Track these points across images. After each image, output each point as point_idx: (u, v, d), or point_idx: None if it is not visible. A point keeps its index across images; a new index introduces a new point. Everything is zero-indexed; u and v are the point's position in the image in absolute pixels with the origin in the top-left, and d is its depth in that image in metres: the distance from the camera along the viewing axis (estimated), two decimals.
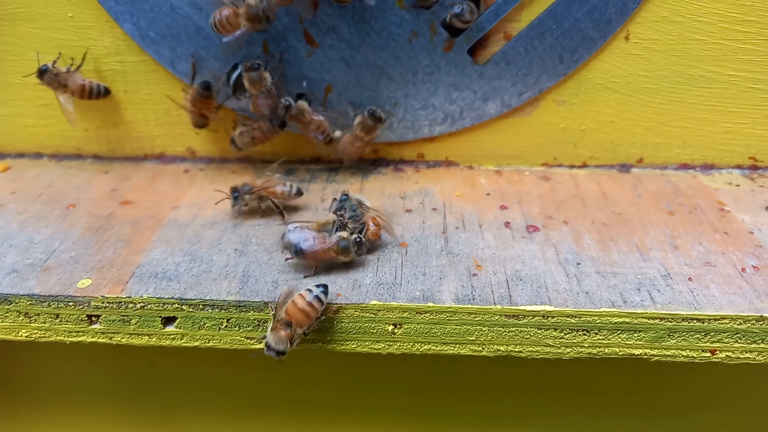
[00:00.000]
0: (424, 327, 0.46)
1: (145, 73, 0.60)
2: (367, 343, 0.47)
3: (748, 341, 0.45)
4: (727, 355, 0.46)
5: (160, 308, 0.46)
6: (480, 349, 0.47)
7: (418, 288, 0.46)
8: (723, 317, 0.44)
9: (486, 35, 0.56)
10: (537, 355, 0.47)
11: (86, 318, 0.47)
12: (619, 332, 0.45)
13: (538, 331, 0.45)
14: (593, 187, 0.59)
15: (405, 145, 0.62)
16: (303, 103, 0.58)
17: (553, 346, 0.46)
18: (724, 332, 0.45)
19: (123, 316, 0.46)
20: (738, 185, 0.60)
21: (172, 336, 0.47)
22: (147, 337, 0.48)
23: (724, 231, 0.53)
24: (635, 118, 0.59)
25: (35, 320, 0.47)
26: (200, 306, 0.46)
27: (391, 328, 0.46)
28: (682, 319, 0.44)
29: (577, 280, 0.47)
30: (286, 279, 0.47)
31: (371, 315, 0.45)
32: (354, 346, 0.47)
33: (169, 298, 0.46)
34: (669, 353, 0.46)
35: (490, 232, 0.53)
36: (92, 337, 0.48)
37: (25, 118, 0.64)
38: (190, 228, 0.54)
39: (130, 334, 0.47)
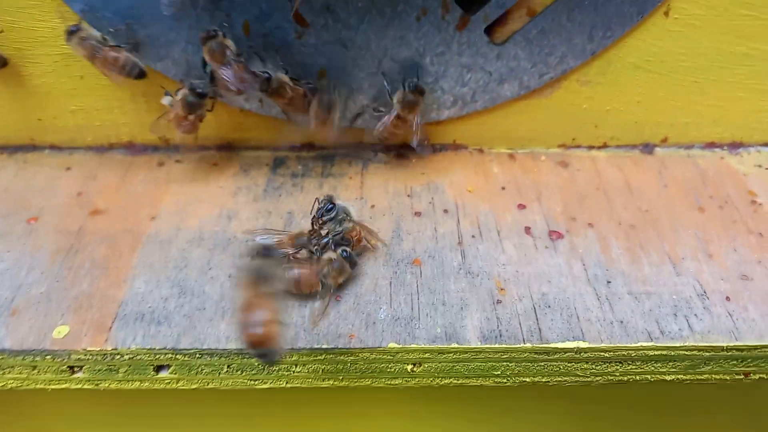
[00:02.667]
0: (447, 365, 0.42)
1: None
2: (384, 380, 0.43)
3: None
4: (760, 377, 0.44)
5: (151, 358, 0.41)
6: (505, 381, 0.43)
7: (438, 323, 0.42)
8: (763, 346, 0.41)
9: (506, 11, 0.48)
10: (564, 384, 0.44)
11: (68, 369, 0.42)
12: (653, 362, 0.42)
13: (569, 365, 0.42)
14: (616, 175, 0.54)
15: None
16: (282, 75, 0.50)
17: (582, 375, 0.43)
18: (761, 358, 0.42)
19: (110, 366, 0.42)
20: None
21: (166, 381, 0.43)
22: (138, 383, 0.43)
23: (758, 232, 0.49)
24: (666, 97, 0.53)
25: (9, 372, 0.42)
26: (197, 355, 0.41)
27: (410, 367, 0.42)
28: (722, 350, 0.41)
29: (609, 304, 0.43)
30: (291, 317, 0.42)
31: (389, 357, 0.41)
32: (369, 382, 0.43)
33: (161, 348, 0.41)
34: (702, 377, 0.43)
35: (510, 242, 0.48)
36: (76, 385, 0.43)
37: None
38: (174, 246, 0.48)
39: (119, 381, 0.43)
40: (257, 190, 0.53)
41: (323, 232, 0.46)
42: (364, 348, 0.41)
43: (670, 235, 0.49)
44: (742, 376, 0.43)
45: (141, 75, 0.49)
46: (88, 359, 0.41)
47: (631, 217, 0.50)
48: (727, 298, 0.44)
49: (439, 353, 0.41)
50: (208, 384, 0.43)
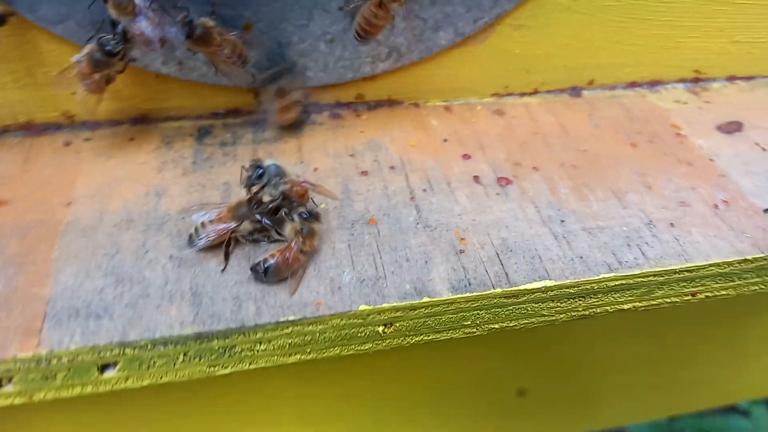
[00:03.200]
0: (418, 321, 0.41)
1: None
2: (353, 347, 0.41)
3: (726, 281, 0.45)
4: (706, 296, 0.46)
5: (94, 357, 0.36)
6: (474, 330, 0.43)
7: (405, 279, 0.40)
8: (710, 265, 0.44)
9: None
10: (531, 326, 0.44)
11: None
12: (612, 293, 0.43)
13: (536, 305, 0.42)
14: (550, 120, 0.55)
15: (341, 87, 0.53)
16: (207, 20, 0.45)
17: (547, 315, 0.43)
18: (707, 277, 0.44)
19: (45, 373, 0.36)
20: (686, 102, 0.58)
21: (113, 381, 0.38)
22: (80, 388, 0.38)
23: (687, 161, 0.51)
24: (593, 39, 0.54)
25: None
26: (148, 347, 0.37)
27: (381, 329, 0.40)
28: (674, 273, 0.43)
29: (567, 242, 0.43)
30: (248, 291, 0.39)
31: (360, 320, 0.39)
32: (339, 351, 0.41)
33: (106, 345, 0.36)
34: (655, 302, 0.45)
35: (462, 192, 0.47)
36: (6, 400, 0.37)
37: None
38: (99, 232, 0.42)
39: (56, 388, 0.37)
40: (184, 163, 0.48)
41: (264, 199, 0.43)
42: (333, 314, 0.38)
43: (609, 171, 0.50)
44: (689, 297, 0.46)
45: None
46: (18, 368, 0.35)
47: (572, 158, 0.51)
48: (672, 225, 0.45)
49: (411, 309, 0.40)
50: (161, 378, 0.39)
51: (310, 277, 0.40)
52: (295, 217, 0.42)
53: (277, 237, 0.42)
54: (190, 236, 0.41)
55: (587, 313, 0.44)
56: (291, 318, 0.38)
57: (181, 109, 0.51)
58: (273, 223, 0.42)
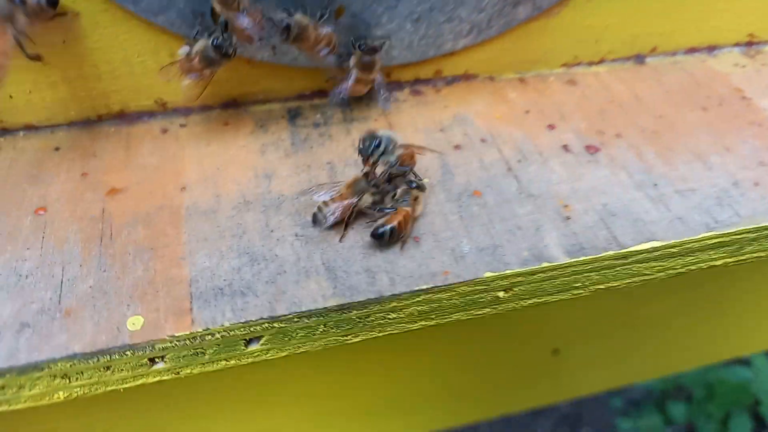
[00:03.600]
0: (534, 285, 0.43)
1: (91, 15, 0.44)
2: (473, 311, 0.43)
3: None
4: None
5: (244, 332, 0.38)
6: (581, 291, 0.45)
7: (522, 246, 0.42)
8: None
9: None
10: (633, 285, 0.46)
11: (147, 362, 0.38)
12: (709, 250, 0.46)
13: (640, 265, 0.45)
14: (621, 88, 0.57)
15: (421, 64, 0.54)
16: (301, 17, 0.46)
17: (649, 274, 0.46)
18: None
19: (197, 349, 0.38)
20: (744, 66, 0.60)
21: (255, 354, 0.40)
22: (225, 362, 0.40)
23: (757, 123, 0.53)
24: (657, 7, 0.56)
25: (78, 379, 0.37)
26: (294, 320, 0.38)
27: (502, 293, 0.42)
28: (765, 229, 0.46)
29: (663, 205, 0.46)
30: (378, 264, 0.41)
31: (484, 287, 0.41)
32: (459, 316, 0.43)
33: (257, 320, 0.38)
34: (743, 258, 0.48)
35: (555, 161, 0.49)
36: (155, 377, 0.39)
37: None
38: (221, 215, 0.44)
39: (204, 363, 0.39)
40: (284, 144, 0.49)
41: (379, 170, 0.45)
42: (461, 282, 0.40)
43: (688, 135, 0.52)
44: None
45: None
46: (174, 346, 0.37)
47: (650, 123, 0.53)
48: (756, 184, 0.48)
49: (531, 275, 0.42)
50: (299, 349, 0.41)
51: (432, 248, 0.42)
52: (406, 185, 0.44)
53: (392, 204, 0.44)
54: (315, 216, 0.42)
55: (683, 270, 0.47)
56: (423, 287, 0.40)
57: (269, 92, 0.52)
58: (394, 188, 0.44)
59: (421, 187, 0.45)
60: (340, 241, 0.42)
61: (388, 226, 0.41)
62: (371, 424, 0.82)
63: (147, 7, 0.44)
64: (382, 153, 0.44)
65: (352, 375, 0.72)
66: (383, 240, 0.41)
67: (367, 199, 0.44)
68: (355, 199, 0.43)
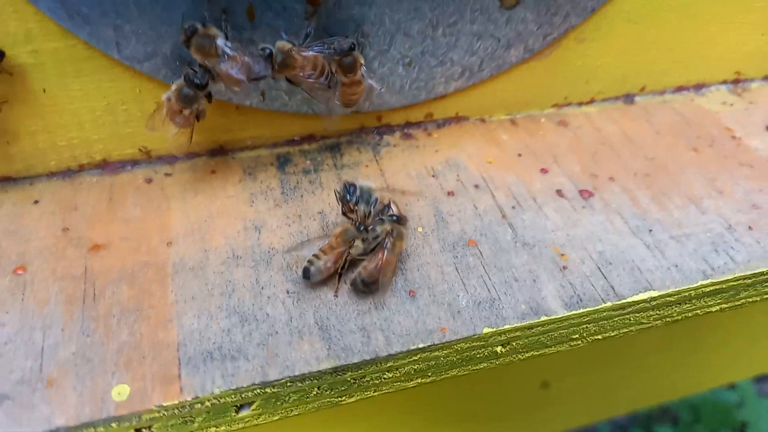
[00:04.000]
0: (532, 339, 0.42)
1: (73, 63, 0.43)
2: (470, 367, 0.42)
3: None
4: None
5: (235, 398, 0.36)
6: (579, 343, 0.44)
7: (519, 299, 0.42)
8: None
9: None
10: (629, 333, 0.46)
11: None
12: (705, 298, 0.45)
13: (638, 315, 0.44)
14: (612, 129, 0.56)
15: (412, 107, 0.53)
16: (283, 43, 0.44)
17: (646, 323, 0.45)
18: None
19: (185, 418, 0.36)
20: (732, 104, 0.60)
21: (246, 420, 0.38)
22: (214, 429, 0.38)
23: (748, 164, 0.53)
24: (647, 47, 0.56)
25: None
26: (287, 384, 0.37)
27: (499, 348, 0.41)
28: (762, 275, 0.45)
29: (660, 251, 0.45)
30: (373, 321, 0.40)
31: (482, 343, 0.40)
32: (456, 372, 0.42)
33: (249, 386, 0.36)
34: (739, 303, 0.48)
35: (549, 207, 0.48)
36: None
37: None
38: (209, 271, 0.42)
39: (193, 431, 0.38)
40: (274, 194, 0.48)
41: (361, 215, 0.44)
42: (459, 339, 0.39)
43: (680, 178, 0.52)
44: None
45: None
46: (161, 416, 0.35)
47: (642, 166, 0.53)
48: (750, 228, 0.48)
49: (528, 329, 0.41)
50: (292, 411, 0.39)
51: (428, 303, 0.41)
52: (386, 219, 0.43)
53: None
54: (306, 269, 0.41)
55: (680, 318, 0.46)
56: (420, 345, 0.39)
57: (257, 138, 0.51)
58: (374, 230, 0.43)
59: (401, 220, 0.44)
60: (335, 295, 0.41)
61: (364, 275, 0.41)
62: None
63: (132, 54, 0.43)
64: (360, 196, 0.44)
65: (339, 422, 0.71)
66: (357, 286, 0.41)
67: (359, 246, 0.43)
68: (345, 248, 0.42)
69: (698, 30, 0.57)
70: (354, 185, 0.44)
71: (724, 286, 0.45)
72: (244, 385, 0.36)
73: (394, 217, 0.43)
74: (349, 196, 0.44)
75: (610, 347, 0.82)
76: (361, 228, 0.43)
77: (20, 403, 0.35)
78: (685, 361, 0.95)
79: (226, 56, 0.43)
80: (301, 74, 0.45)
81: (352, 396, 0.40)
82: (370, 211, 0.44)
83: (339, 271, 0.42)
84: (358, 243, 0.43)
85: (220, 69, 0.43)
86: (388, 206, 0.44)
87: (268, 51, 0.44)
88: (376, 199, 0.44)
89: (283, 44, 0.45)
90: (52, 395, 0.35)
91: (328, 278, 0.42)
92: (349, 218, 0.44)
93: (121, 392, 0.35)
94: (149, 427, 0.36)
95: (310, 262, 0.41)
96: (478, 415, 0.88)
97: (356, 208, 0.44)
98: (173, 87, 0.43)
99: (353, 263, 0.43)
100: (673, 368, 0.96)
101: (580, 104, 0.59)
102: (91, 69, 0.43)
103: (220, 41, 0.42)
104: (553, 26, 0.51)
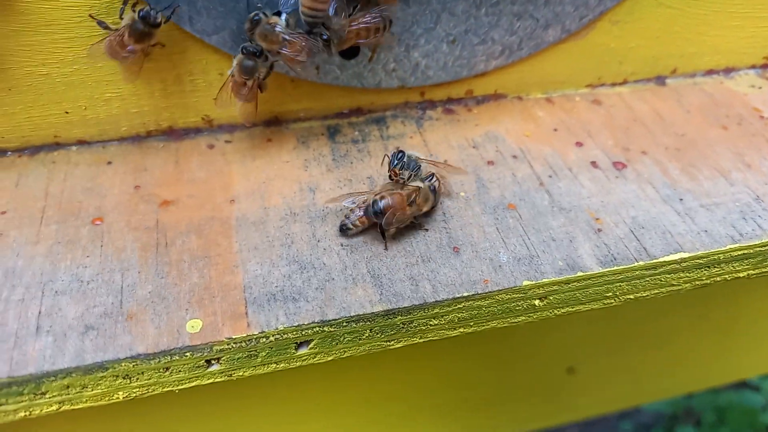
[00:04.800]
0: (568, 294, 0.45)
1: None
2: (509, 319, 0.45)
3: None
4: None
5: (297, 335, 0.40)
6: (612, 302, 0.47)
7: (557, 257, 0.44)
8: None
9: None
10: (659, 295, 0.48)
11: (204, 363, 0.40)
12: (733, 262, 0.48)
13: (668, 276, 0.46)
14: (644, 107, 0.59)
15: (454, 84, 0.57)
16: (336, 20, 0.47)
17: (676, 284, 0.48)
18: None
19: (251, 352, 0.40)
20: (760, 87, 0.63)
21: (304, 357, 0.42)
22: (275, 365, 0.42)
23: None
24: (679, 31, 0.58)
25: (138, 379, 0.39)
26: (343, 324, 0.40)
27: (537, 302, 0.44)
28: None
29: (690, 218, 0.48)
30: (420, 272, 0.43)
31: (521, 295, 0.43)
32: (495, 324, 0.45)
33: (309, 324, 0.40)
34: (766, 270, 0.50)
35: (584, 176, 0.51)
36: (209, 379, 0.41)
37: None
38: (270, 226, 0.46)
39: (255, 366, 0.41)
40: (326, 160, 0.52)
41: (402, 177, 0.47)
42: (500, 290, 0.42)
43: (710, 152, 0.54)
44: None
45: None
46: (230, 348, 0.39)
47: (673, 141, 0.55)
48: None
49: (565, 283, 0.44)
50: (344, 353, 0.43)
51: (471, 258, 0.44)
52: (425, 181, 0.46)
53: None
54: (342, 225, 0.45)
55: (709, 282, 0.48)
56: (465, 294, 0.42)
57: (309, 110, 0.55)
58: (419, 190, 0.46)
59: (434, 187, 0.46)
60: (385, 248, 0.44)
61: (381, 203, 0.44)
62: None
63: (202, 27, 0.47)
64: (407, 163, 0.47)
65: (370, 386, 0.74)
66: (369, 211, 0.44)
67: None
68: None
69: (728, 16, 0.59)
70: (402, 152, 0.47)
71: (751, 251, 0.47)
72: (305, 323, 0.39)
73: (430, 178, 0.47)
74: (396, 161, 0.47)
75: (636, 328, 0.84)
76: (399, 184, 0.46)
77: (104, 334, 0.39)
78: (711, 349, 0.96)
79: (286, 42, 0.46)
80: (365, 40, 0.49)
81: (400, 341, 0.43)
82: (411, 176, 0.47)
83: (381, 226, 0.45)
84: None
85: (283, 53, 0.46)
86: (432, 175, 0.48)
87: (325, 37, 0.48)
88: (419, 166, 0.47)
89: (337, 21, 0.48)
90: (132, 327, 0.39)
91: (365, 231, 0.45)
92: (393, 182, 0.47)
93: (194, 325, 0.39)
94: (218, 359, 0.40)
95: (346, 215, 0.45)
96: (502, 399, 0.91)
97: (401, 172, 0.47)
98: (234, 62, 0.47)
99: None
100: (699, 356, 0.97)
101: (613, 85, 0.61)
102: (165, 41, 0.47)
103: (279, 28, 0.46)
104: (588, 8, 0.54)
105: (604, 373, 0.94)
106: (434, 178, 0.47)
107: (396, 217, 0.44)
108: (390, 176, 0.47)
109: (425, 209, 0.46)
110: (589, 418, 1.09)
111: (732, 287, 0.83)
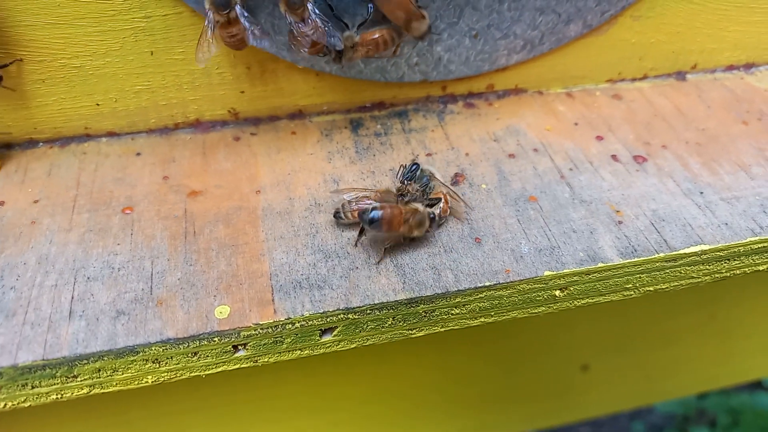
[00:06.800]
0: (589, 285, 0.45)
1: (179, 29, 0.48)
2: (529, 309, 0.46)
3: None
4: None
5: (321, 322, 0.41)
6: (632, 293, 0.47)
7: (577, 248, 0.45)
8: None
9: None
10: (678, 288, 0.48)
11: (231, 348, 0.41)
12: (753, 255, 0.48)
13: (689, 268, 0.47)
14: (664, 102, 0.59)
15: (475, 78, 0.57)
16: (347, 34, 0.48)
17: (696, 277, 0.48)
18: None
19: (277, 338, 0.41)
20: None
21: (327, 345, 0.43)
22: (299, 352, 0.43)
23: None
24: (700, 26, 0.59)
25: (167, 364, 0.40)
26: (367, 311, 0.41)
27: (558, 292, 0.45)
28: None
29: (710, 211, 0.48)
30: (442, 262, 0.44)
31: (542, 285, 0.44)
32: (516, 314, 0.46)
33: (334, 311, 0.40)
34: None
35: (605, 170, 0.52)
36: (235, 365, 0.42)
37: (5, 97, 0.49)
38: (295, 216, 0.47)
39: (281, 353, 0.42)
40: (349, 152, 0.53)
41: (410, 191, 0.47)
42: (521, 280, 0.43)
43: (731, 147, 0.54)
44: None
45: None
46: (257, 334, 0.40)
47: (693, 136, 0.55)
48: None
49: (586, 274, 0.44)
50: (367, 341, 0.43)
51: (493, 248, 0.45)
52: (424, 205, 0.45)
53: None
54: (336, 212, 0.45)
55: (728, 274, 0.49)
56: (486, 283, 0.43)
57: (332, 103, 0.56)
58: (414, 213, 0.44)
59: (431, 223, 0.44)
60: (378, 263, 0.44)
61: (377, 213, 0.42)
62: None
63: None
64: (418, 177, 0.47)
65: (382, 380, 0.74)
66: (364, 219, 0.42)
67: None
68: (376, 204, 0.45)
69: (749, 11, 0.59)
70: (417, 165, 0.48)
71: None
72: (330, 310, 0.40)
73: (431, 215, 0.44)
74: (408, 173, 0.47)
75: (651, 328, 0.84)
76: (399, 198, 0.46)
77: (134, 318, 0.40)
78: (726, 347, 0.96)
79: (309, 20, 0.47)
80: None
81: (422, 330, 0.44)
82: (418, 191, 0.47)
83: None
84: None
85: (300, 27, 0.47)
86: (439, 200, 0.47)
87: (339, 48, 0.48)
88: (429, 184, 0.47)
89: (348, 35, 0.49)
90: (162, 312, 0.40)
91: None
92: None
93: (222, 311, 0.40)
94: (245, 345, 0.41)
95: (342, 205, 0.45)
96: (516, 396, 0.91)
97: (409, 184, 0.47)
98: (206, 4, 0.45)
99: None
100: (714, 354, 0.97)
101: (634, 80, 0.62)
102: (193, 35, 0.49)
103: (311, 6, 0.47)
104: (610, 3, 0.54)
105: (616, 371, 0.94)
106: (439, 205, 0.46)
107: (388, 233, 0.43)
108: (397, 188, 0.47)
109: (415, 234, 0.44)
110: (600, 417, 1.09)
111: (743, 287, 0.83)
